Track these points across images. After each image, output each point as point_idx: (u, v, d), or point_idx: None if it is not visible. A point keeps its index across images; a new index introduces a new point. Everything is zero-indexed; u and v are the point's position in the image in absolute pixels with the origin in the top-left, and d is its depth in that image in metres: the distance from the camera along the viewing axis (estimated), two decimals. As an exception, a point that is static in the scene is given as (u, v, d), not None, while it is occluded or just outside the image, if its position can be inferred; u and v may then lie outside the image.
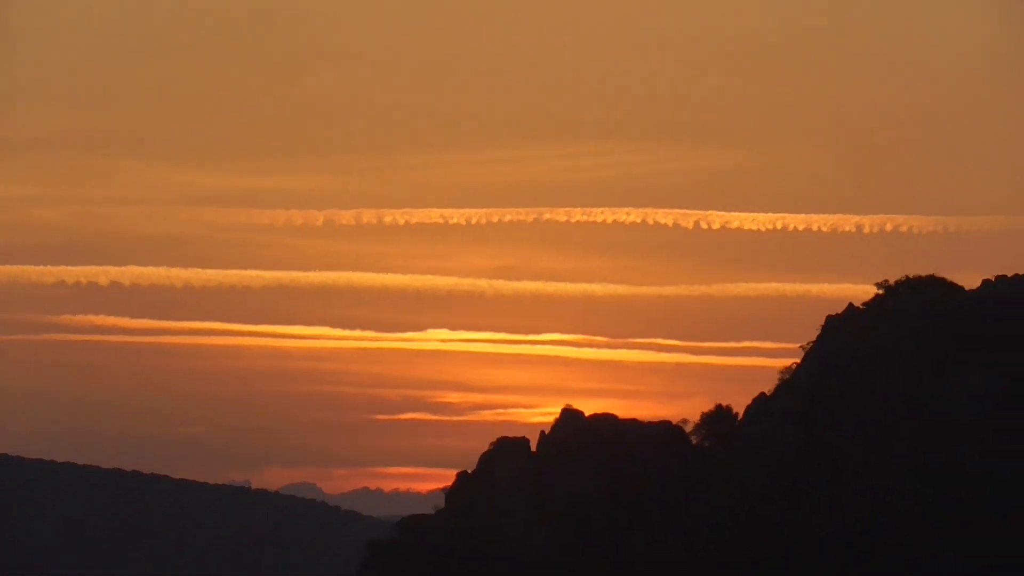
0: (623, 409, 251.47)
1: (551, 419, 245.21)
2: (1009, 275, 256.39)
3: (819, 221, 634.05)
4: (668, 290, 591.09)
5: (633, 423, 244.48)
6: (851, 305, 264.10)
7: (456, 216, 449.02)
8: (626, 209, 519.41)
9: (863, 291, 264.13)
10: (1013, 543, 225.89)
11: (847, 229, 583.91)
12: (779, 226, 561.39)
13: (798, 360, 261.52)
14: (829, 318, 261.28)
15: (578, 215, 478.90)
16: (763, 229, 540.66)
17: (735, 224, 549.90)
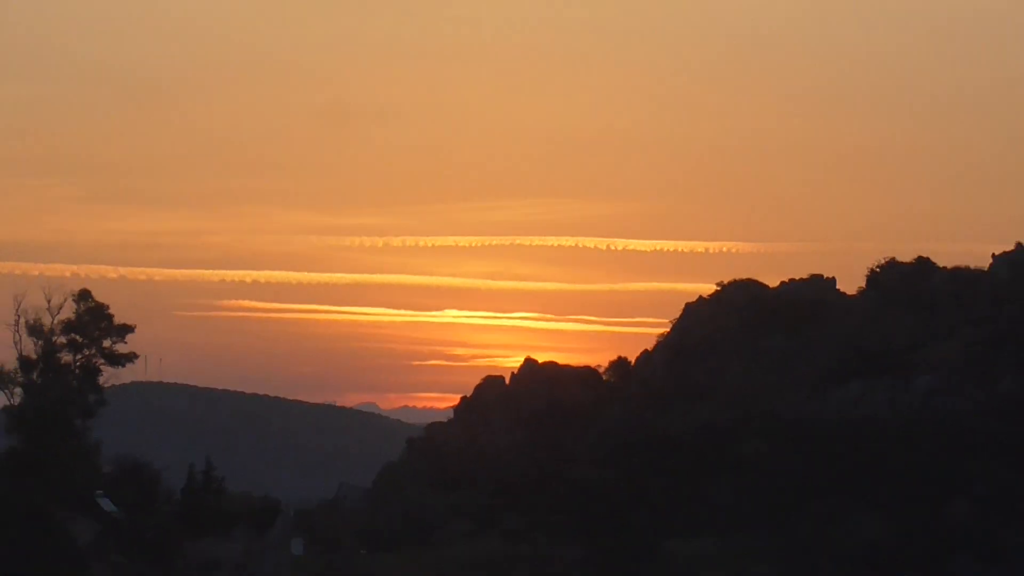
0: (562, 359, 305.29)
1: (518, 365, 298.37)
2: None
3: (681, 245, 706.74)
4: (591, 287, 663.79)
5: (567, 367, 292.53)
6: (700, 297, 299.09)
7: (462, 241, 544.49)
8: (566, 237, 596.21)
9: (708, 288, 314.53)
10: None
11: (699, 250, 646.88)
12: (658, 248, 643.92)
13: (668, 330, 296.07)
14: (687, 304, 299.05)
15: (537, 241, 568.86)
16: (648, 250, 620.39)
17: (632, 247, 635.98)
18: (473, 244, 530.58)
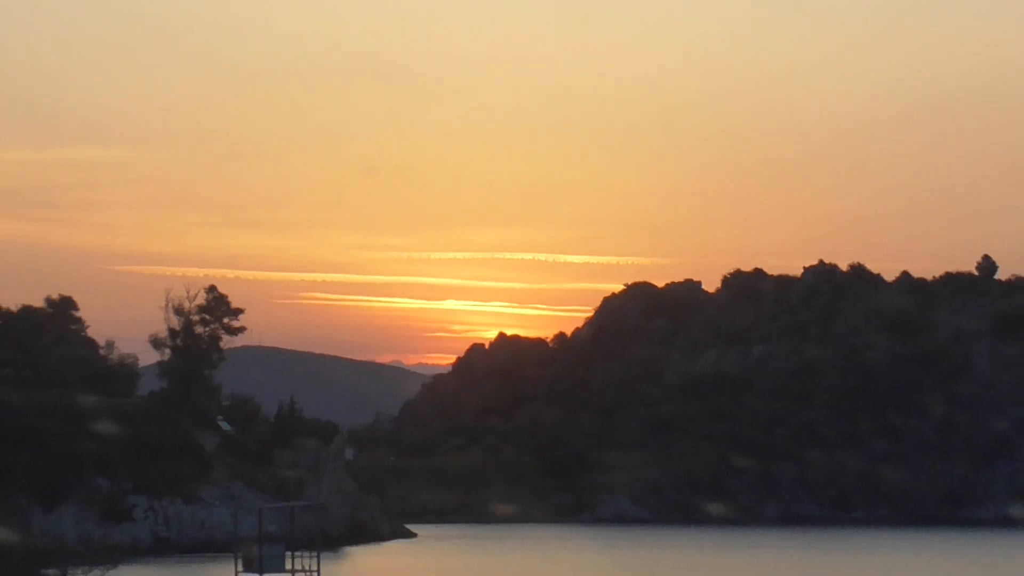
0: (523, 333, 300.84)
1: (494, 337, 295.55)
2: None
3: (601, 259, 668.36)
4: (543, 286, 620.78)
5: (526, 339, 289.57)
6: (613, 293, 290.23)
7: (458, 255, 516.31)
8: (527, 253, 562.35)
9: (619, 287, 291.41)
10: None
11: (613, 263, 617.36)
12: (586, 261, 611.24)
13: (592, 315, 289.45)
14: (605, 298, 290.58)
15: (507, 256, 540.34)
16: (580, 263, 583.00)
17: (570, 260, 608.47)
18: (465, 257, 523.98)
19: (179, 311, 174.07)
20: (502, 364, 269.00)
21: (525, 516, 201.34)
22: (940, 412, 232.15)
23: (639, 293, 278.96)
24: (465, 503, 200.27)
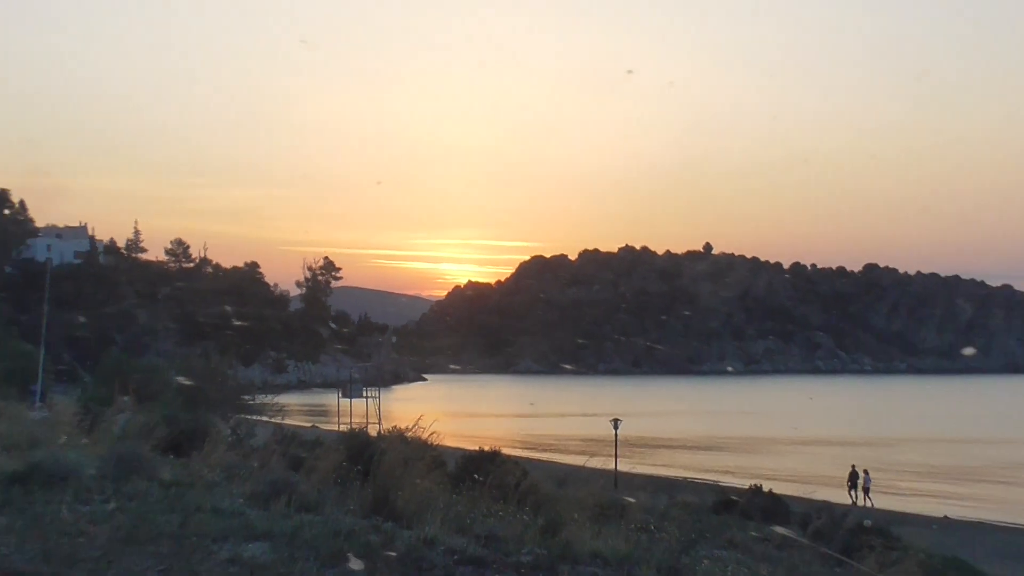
0: (479, 280, 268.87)
1: (464, 283, 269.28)
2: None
3: (520, 244, 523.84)
4: (489, 256, 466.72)
5: (482, 284, 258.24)
6: (523, 261, 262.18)
7: (448, 241, 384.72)
8: (483, 240, 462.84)
9: (524, 258, 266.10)
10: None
11: (523, 247, 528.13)
12: (513, 245, 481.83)
13: (513, 271, 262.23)
14: (521, 263, 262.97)
15: (472, 240, 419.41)
16: (509, 245, 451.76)
17: (502, 245, 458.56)
18: (451, 243, 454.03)
19: (310, 268, 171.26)
20: (469, 295, 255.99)
21: (479, 369, 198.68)
22: (684, 317, 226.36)
23: (536, 261, 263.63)
24: (450, 364, 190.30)
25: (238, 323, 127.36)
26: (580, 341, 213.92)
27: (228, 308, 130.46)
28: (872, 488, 47.18)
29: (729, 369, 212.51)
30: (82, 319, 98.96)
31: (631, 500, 18.56)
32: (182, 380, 29.67)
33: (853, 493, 46.78)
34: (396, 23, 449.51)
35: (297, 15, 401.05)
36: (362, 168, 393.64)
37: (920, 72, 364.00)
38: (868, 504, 44.54)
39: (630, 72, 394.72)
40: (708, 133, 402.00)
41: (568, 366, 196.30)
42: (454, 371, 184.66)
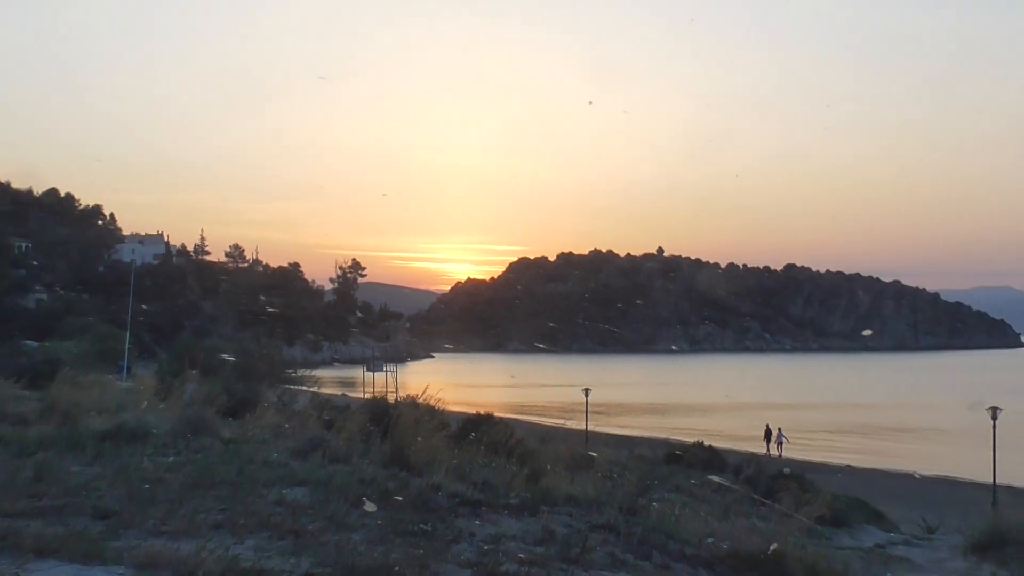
0: (477, 276, 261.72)
1: (464, 279, 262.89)
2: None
3: (508, 248, 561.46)
4: (484, 257, 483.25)
5: (479, 280, 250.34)
6: (512, 261, 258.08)
7: (451, 245, 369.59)
8: (479, 244, 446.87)
9: (512, 259, 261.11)
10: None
11: (511, 250, 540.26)
12: (504, 249, 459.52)
13: (504, 269, 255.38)
14: (510, 263, 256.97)
15: (472, 244, 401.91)
16: (501, 249, 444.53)
17: (493, 248, 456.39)
18: (454, 247, 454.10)
19: (340, 268, 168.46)
20: (468, 289, 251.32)
21: (475, 349, 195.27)
22: (640, 307, 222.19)
23: (522, 261, 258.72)
24: (451, 344, 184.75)
25: (282, 312, 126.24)
26: (552, 325, 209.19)
27: (274, 300, 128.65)
28: (786, 443, 46.96)
29: (674, 348, 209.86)
30: (159, 309, 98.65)
31: (597, 455, 18.47)
32: (227, 357, 29.20)
33: (768, 446, 46.69)
34: (401, 65, 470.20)
35: (320, 56, 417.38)
36: (381, 186, 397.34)
37: (825, 105, 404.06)
38: (779, 455, 44.41)
39: (591, 103, 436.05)
40: (657, 154, 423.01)
41: (541, 345, 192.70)
42: (455, 350, 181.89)
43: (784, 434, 47.37)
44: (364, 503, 6.64)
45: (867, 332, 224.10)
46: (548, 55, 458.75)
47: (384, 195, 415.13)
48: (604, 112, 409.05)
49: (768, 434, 47.76)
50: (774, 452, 45.41)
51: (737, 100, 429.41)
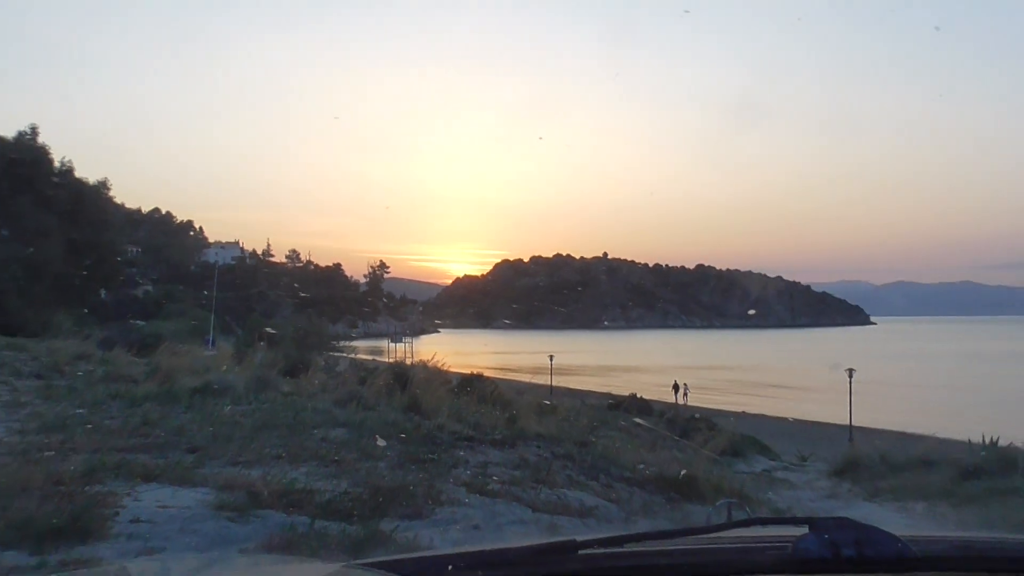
0: (472, 273, 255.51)
1: (462, 275, 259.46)
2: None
3: (499, 252, 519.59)
4: (475, 257, 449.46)
5: (473, 276, 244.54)
6: (497, 263, 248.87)
7: (453, 249, 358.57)
8: (476, 249, 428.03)
9: (498, 259, 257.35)
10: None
11: (501, 256, 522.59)
12: (492, 253, 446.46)
13: (491, 268, 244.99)
14: (495, 264, 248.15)
15: (469, 250, 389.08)
16: (492, 253, 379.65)
17: (486, 252, 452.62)
18: (452, 248, 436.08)
19: (371, 267, 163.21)
20: (465, 283, 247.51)
21: (470, 326, 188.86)
22: (591, 295, 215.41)
23: (504, 262, 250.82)
24: (453, 322, 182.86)
25: (328, 299, 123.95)
26: (525, 308, 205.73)
27: (322, 290, 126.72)
28: (691, 394, 46.24)
29: (608, 324, 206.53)
30: (235, 297, 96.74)
31: (558, 404, 18.56)
32: (286, 332, 27.87)
33: (676, 397, 46.13)
34: (400, 104, 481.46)
35: (330, 100, 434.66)
36: (398, 208, 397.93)
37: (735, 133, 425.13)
38: (685, 403, 43.61)
39: (541, 138, 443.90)
40: (598, 177, 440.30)
41: (507, 321, 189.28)
42: (455, 327, 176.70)
43: (688, 388, 46.63)
44: (376, 439, 6.64)
45: (752, 312, 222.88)
46: (501, 103, 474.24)
47: (387, 207, 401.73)
48: (553, 146, 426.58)
49: (676, 388, 46.92)
50: (681, 401, 44.74)
51: (657, 129, 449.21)
